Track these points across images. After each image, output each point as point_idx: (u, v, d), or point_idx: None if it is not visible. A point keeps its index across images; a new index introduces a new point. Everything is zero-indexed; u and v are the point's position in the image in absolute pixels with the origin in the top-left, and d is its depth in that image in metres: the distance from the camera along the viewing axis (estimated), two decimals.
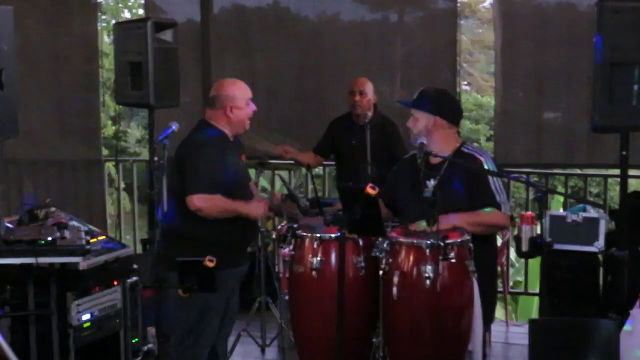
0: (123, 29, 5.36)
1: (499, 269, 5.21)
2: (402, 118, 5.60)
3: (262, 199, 4.23)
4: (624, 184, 4.52)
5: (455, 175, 3.83)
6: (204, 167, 3.86)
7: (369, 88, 5.36)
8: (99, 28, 6.83)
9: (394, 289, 3.54)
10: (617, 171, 4.76)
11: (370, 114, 5.25)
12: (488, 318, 3.94)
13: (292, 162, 5.90)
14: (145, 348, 4.67)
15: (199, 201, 3.83)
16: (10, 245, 3.89)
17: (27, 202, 4.54)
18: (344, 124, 5.51)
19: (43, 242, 3.92)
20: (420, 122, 3.92)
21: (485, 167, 3.87)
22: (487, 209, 3.79)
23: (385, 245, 3.63)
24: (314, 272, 3.76)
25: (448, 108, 3.99)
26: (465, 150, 3.94)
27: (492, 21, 6.65)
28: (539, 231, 4.96)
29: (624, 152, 4.33)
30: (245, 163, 4.21)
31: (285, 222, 4.32)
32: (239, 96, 4.01)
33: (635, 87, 4.16)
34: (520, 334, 5.42)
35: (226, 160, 3.93)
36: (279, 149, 5.53)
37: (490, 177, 3.84)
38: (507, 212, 3.86)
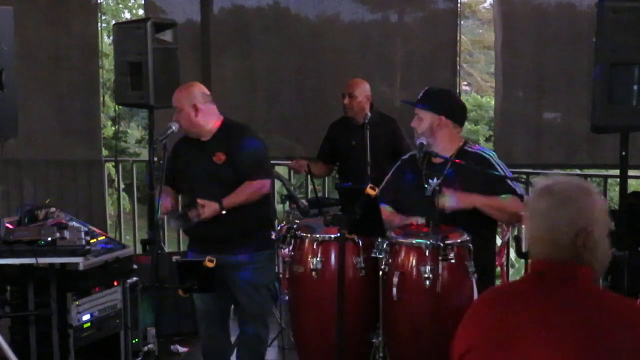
0: (123, 30, 5.37)
1: (498, 269, 5.20)
2: (403, 118, 5.62)
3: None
4: (623, 185, 4.51)
5: (459, 175, 3.82)
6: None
7: (359, 90, 5.31)
8: (99, 28, 6.83)
9: (394, 290, 3.53)
10: (616, 171, 4.76)
11: (369, 114, 5.23)
12: None
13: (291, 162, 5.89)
14: (146, 348, 4.69)
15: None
16: (10, 245, 3.90)
17: (28, 204, 4.57)
18: (343, 125, 5.50)
19: (43, 242, 3.92)
20: (425, 121, 3.90)
21: (494, 163, 3.86)
22: (504, 196, 3.77)
23: (385, 245, 3.62)
24: (313, 273, 3.75)
25: (453, 108, 3.98)
26: (469, 150, 3.92)
27: (492, 21, 6.64)
28: None
29: (624, 153, 4.33)
30: (215, 162, 4.03)
31: (285, 222, 4.33)
32: (174, 104, 4.08)
33: (635, 87, 4.15)
34: None
35: (175, 157, 4.06)
36: (294, 164, 5.52)
37: (498, 166, 3.84)
38: (523, 194, 3.78)
